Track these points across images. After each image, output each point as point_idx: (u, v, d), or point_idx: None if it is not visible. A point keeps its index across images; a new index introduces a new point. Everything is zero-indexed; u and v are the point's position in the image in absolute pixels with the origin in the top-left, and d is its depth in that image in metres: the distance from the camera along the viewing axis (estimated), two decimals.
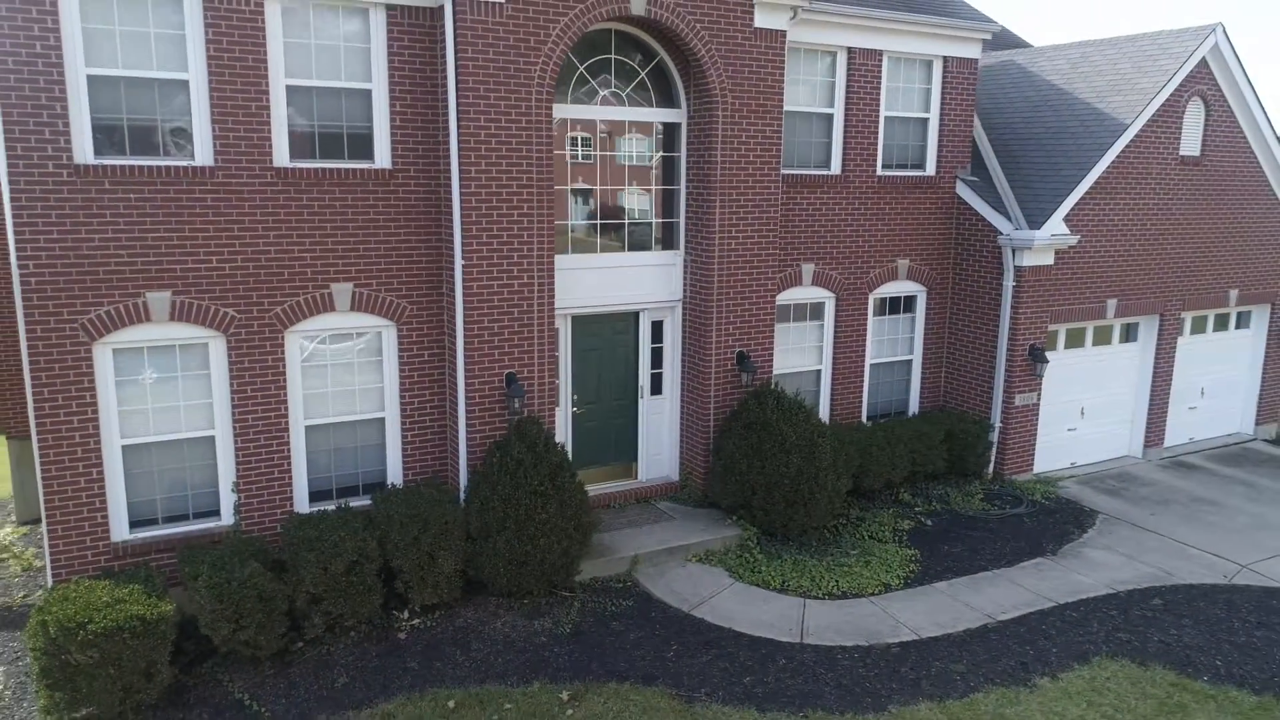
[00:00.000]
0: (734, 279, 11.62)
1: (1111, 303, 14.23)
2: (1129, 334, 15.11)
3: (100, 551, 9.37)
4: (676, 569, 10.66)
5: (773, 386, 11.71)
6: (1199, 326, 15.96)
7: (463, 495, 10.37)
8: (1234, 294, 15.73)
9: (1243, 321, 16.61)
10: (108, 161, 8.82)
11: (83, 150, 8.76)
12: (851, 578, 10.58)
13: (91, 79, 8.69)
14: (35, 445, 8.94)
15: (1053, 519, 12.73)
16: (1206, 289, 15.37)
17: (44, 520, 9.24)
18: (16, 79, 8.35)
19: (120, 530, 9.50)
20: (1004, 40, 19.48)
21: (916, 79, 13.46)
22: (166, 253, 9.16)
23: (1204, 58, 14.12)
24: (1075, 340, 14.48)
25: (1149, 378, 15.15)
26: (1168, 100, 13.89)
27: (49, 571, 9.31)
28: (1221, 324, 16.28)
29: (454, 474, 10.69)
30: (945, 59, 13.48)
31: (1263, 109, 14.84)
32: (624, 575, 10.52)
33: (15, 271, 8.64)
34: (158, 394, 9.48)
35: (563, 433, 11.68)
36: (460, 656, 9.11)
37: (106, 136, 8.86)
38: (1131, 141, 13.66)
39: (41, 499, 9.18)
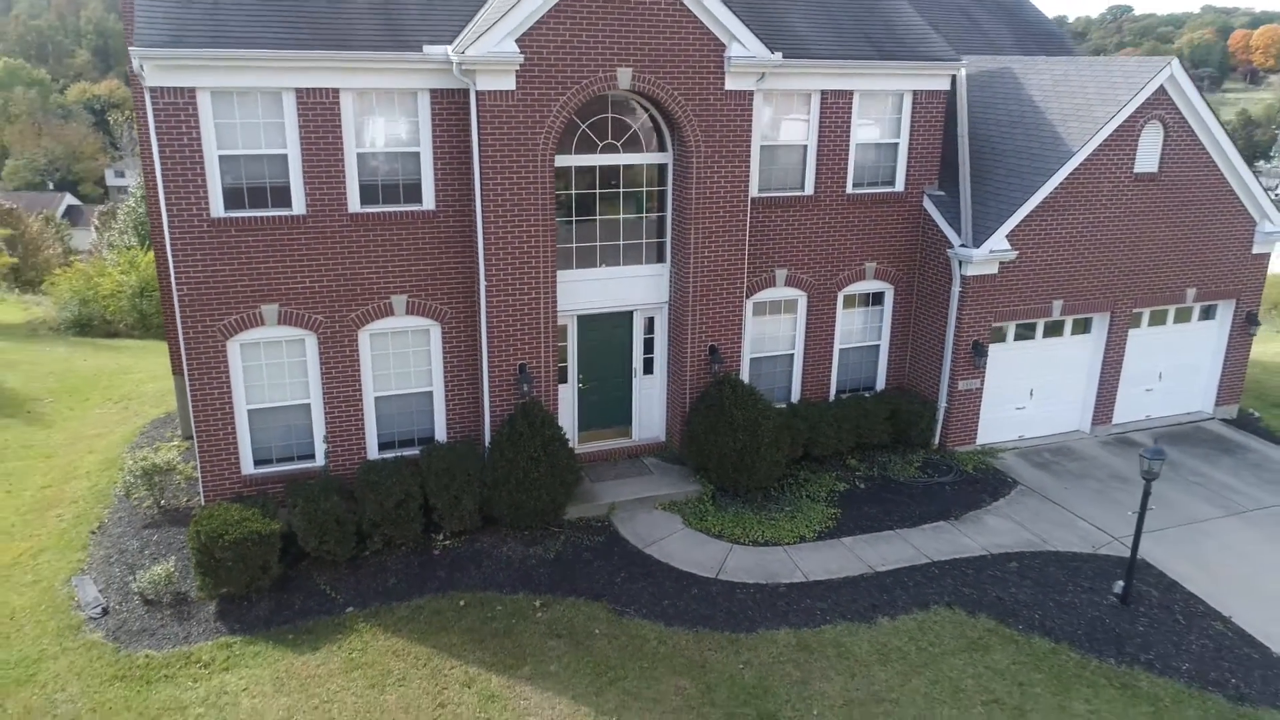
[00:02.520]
0: (706, 288, 14.60)
1: (1057, 303, 16.45)
2: (1084, 327, 17.26)
3: (234, 481, 13.51)
4: (644, 514, 14.11)
5: (733, 376, 14.77)
6: (1158, 319, 17.86)
7: (486, 453, 14.00)
8: (1191, 292, 17.54)
9: (1208, 314, 18.35)
10: (233, 214, 12.53)
11: (216, 207, 12.47)
12: (776, 529, 13.79)
13: (221, 157, 12.32)
14: (191, 409, 13.02)
15: (973, 488, 15.48)
16: (1162, 288, 17.26)
17: (198, 459, 13.42)
18: (173, 162, 12.05)
19: (247, 466, 13.61)
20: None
21: (888, 110, 15.75)
22: (274, 277, 12.89)
23: (1162, 86, 15.76)
24: (1025, 333, 16.80)
25: (1099, 365, 17.33)
26: (1121, 126, 15.69)
27: (201, 492, 13.54)
28: (1184, 316, 18.10)
29: (482, 435, 14.35)
30: (915, 92, 15.69)
31: (1224, 129, 16.38)
32: (603, 518, 14.04)
33: (175, 292, 12.54)
34: (270, 374, 13.41)
35: (570, 404, 15.12)
36: (474, 570, 12.90)
37: (231, 196, 12.54)
38: (1080, 165, 15.62)
39: (196, 446, 13.33)
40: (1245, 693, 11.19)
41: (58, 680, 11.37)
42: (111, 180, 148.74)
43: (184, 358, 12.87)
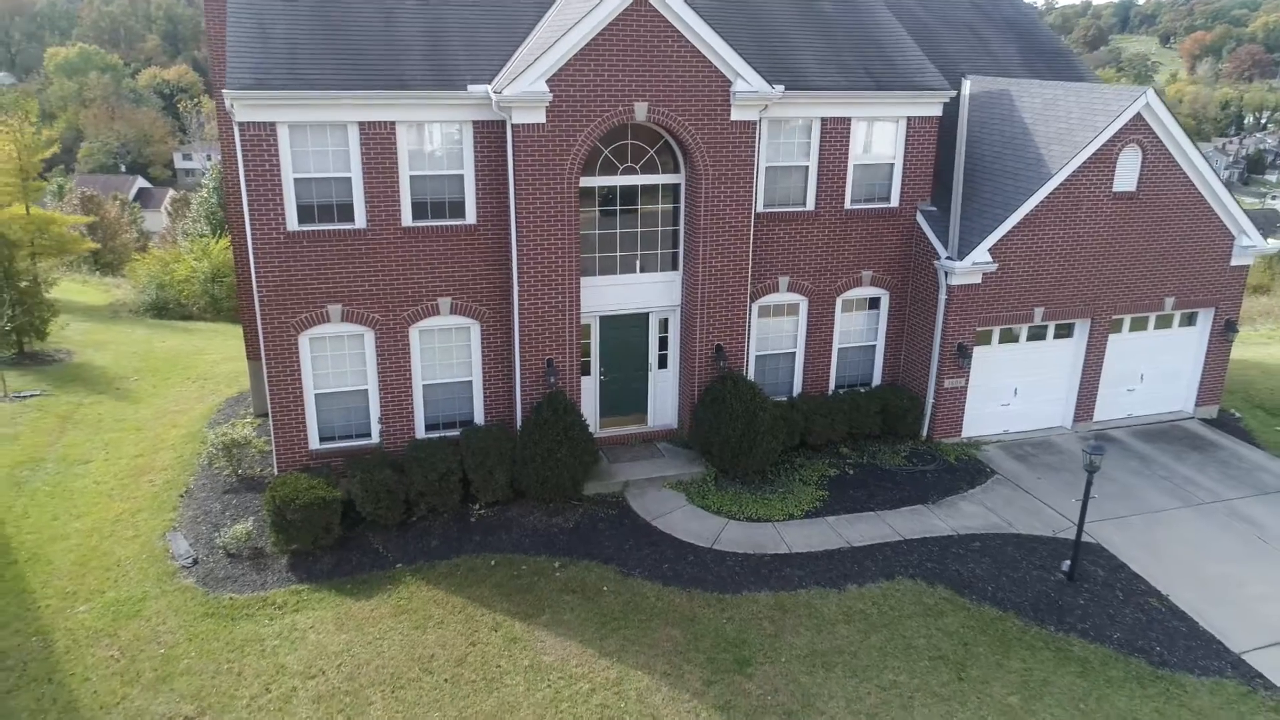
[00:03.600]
0: (713, 294, 16.49)
1: (1039, 310, 18.02)
2: (1066, 331, 18.78)
3: (303, 455, 15.80)
4: (653, 492, 16.10)
5: (735, 372, 16.66)
6: (1139, 325, 19.30)
7: (517, 435, 16.09)
8: (1170, 300, 18.95)
9: (1190, 320, 19.72)
10: (304, 228, 14.74)
11: (291, 221, 14.68)
12: (768, 508, 15.69)
13: (296, 180, 14.52)
14: (267, 393, 15.31)
15: (952, 476, 17.20)
16: (1142, 297, 18.70)
17: (272, 435, 15.73)
18: (256, 184, 14.26)
19: (314, 443, 15.89)
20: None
21: (884, 133, 17.42)
22: (339, 281, 15.09)
23: (1139, 113, 17.19)
24: (1009, 337, 18.40)
25: (1080, 366, 18.85)
26: (1100, 149, 17.16)
27: (275, 463, 15.87)
28: (1165, 323, 19.51)
29: (513, 419, 16.45)
30: (909, 118, 17.34)
31: (1199, 152, 17.77)
32: (617, 494, 16.07)
33: (255, 293, 14.81)
34: (334, 363, 15.65)
35: (593, 394, 17.14)
36: (504, 535, 15.03)
37: (304, 213, 14.74)
38: (1060, 185, 17.14)
39: (271, 425, 15.63)
40: (1167, 659, 12.85)
41: (159, 615, 13.76)
42: (179, 163, 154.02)
43: (262, 349, 15.15)
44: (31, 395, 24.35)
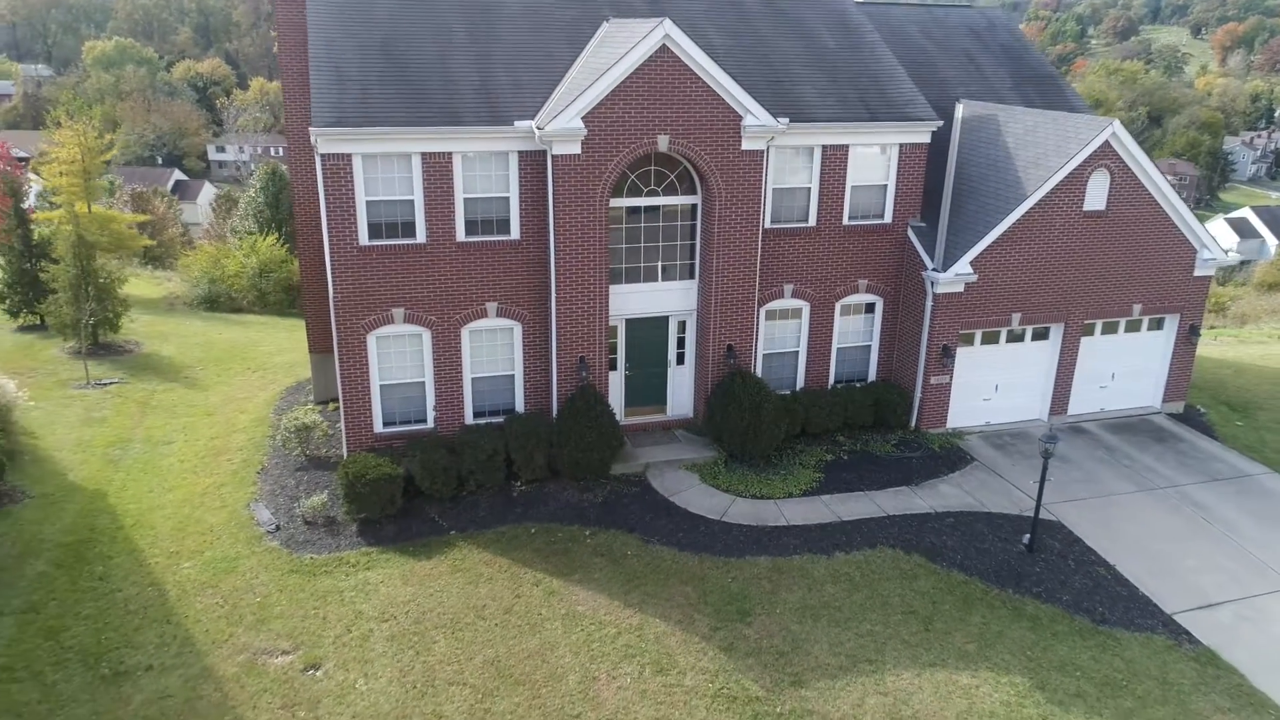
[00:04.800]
0: (725, 300, 18.82)
1: (1016, 315, 20.22)
2: (1043, 334, 20.96)
3: (368, 438, 18.31)
4: (671, 472, 18.49)
5: (744, 369, 18.99)
6: (1110, 329, 21.44)
7: (553, 421, 18.50)
8: (1138, 307, 21.07)
9: (1157, 325, 21.82)
10: (374, 243, 17.20)
11: (362, 237, 17.15)
12: (771, 487, 18.03)
13: (367, 202, 16.98)
14: (339, 385, 17.82)
15: (935, 462, 19.46)
16: (1111, 303, 20.83)
17: (343, 420, 18.25)
18: (335, 206, 16.74)
19: (378, 427, 18.40)
20: None
21: (879, 158, 19.65)
22: (402, 288, 17.55)
23: (1106, 141, 19.31)
24: (990, 339, 20.60)
25: (1055, 366, 21.04)
26: (1071, 174, 19.30)
27: (344, 445, 18.39)
28: (1134, 327, 21.63)
29: (550, 408, 18.88)
30: (901, 145, 19.55)
31: (1161, 175, 19.87)
32: (639, 474, 18.47)
33: (331, 299, 17.30)
34: (397, 359, 18.14)
35: (619, 387, 19.53)
36: (542, 507, 17.47)
37: (373, 230, 17.20)
38: (1035, 205, 19.30)
39: (342, 411, 18.15)
40: (1107, 617, 15.11)
41: (252, 571, 16.32)
42: (213, 155, 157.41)
43: (336, 347, 17.65)
44: (111, 383, 27.07)
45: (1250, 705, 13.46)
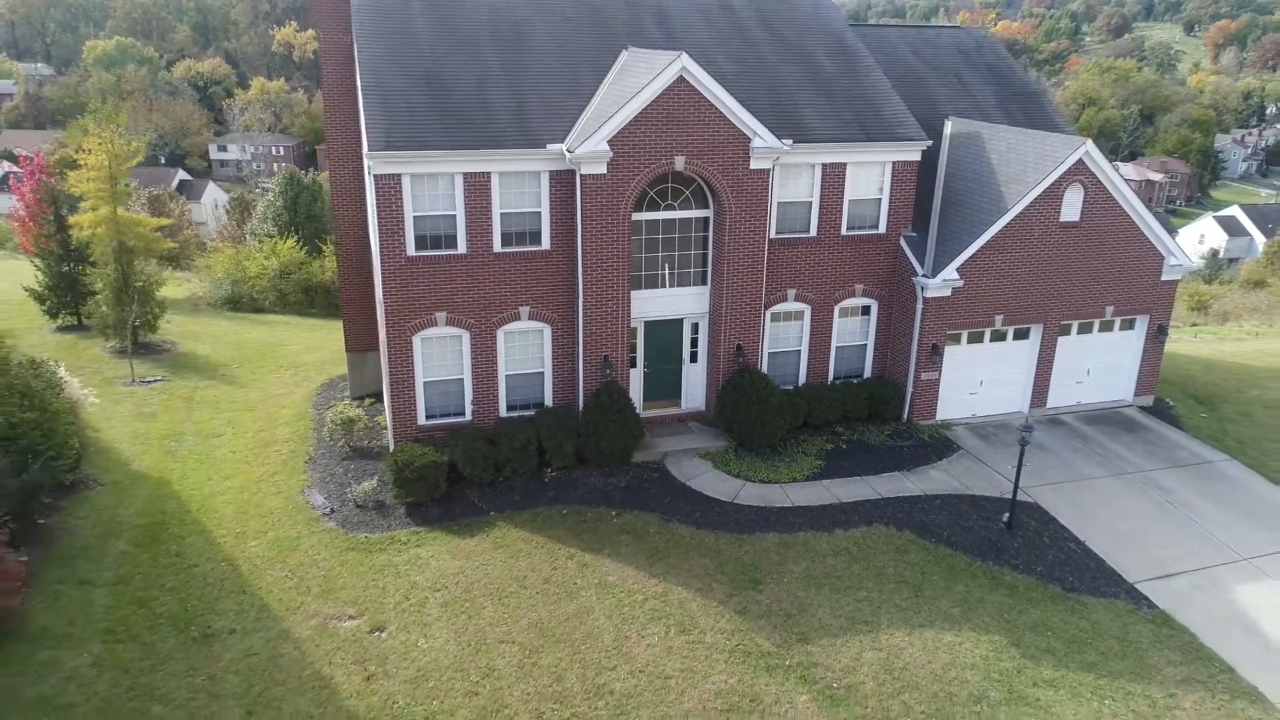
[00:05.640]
0: (734, 304, 20.76)
1: (999, 317, 22.20)
2: (1024, 334, 22.94)
3: (413, 429, 20.23)
4: (686, 460, 20.44)
5: (751, 366, 20.94)
6: (1085, 329, 23.42)
7: (580, 414, 20.42)
8: (1110, 309, 23.06)
9: (1128, 325, 23.81)
10: (420, 253, 19.12)
11: (410, 248, 19.05)
12: (777, 473, 19.99)
13: (414, 217, 18.89)
14: (387, 382, 19.73)
15: (925, 450, 21.43)
16: (1086, 306, 22.81)
17: (389, 413, 20.17)
18: (386, 221, 18.64)
19: (421, 419, 20.32)
20: None
21: (874, 175, 21.59)
22: (444, 294, 19.47)
23: (1080, 159, 21.26)
24: (975, 338, 22.58)
25: (1035, 363, 23.02)
26: (1048, 189, 21.25)
27: (390, 436, 20.31)
28: (1107, 327, 23.62)
29: (576, 402, 20.81)
30: (894, 162, 21.50)
31: (1130, 189, 21.83)
32: (658, 461, 20.42)
33: (381, 304, 19.20)
34: (439, 358, 20.06)
35: (638, 382, 21.46)
36: (571, 491, 19.42)
37: (419, 242, 19.11)
38: (1015, 217, 21.25)
39: (389, 405, 20.06)
40: (1076, 586, 17.08)
41: (313, 549, 18.24)
42: (215, 154, 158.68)
43: (384, 347, 19.56)
44: (154, 380, 28.94)
45: (1198, 660, 15.44)
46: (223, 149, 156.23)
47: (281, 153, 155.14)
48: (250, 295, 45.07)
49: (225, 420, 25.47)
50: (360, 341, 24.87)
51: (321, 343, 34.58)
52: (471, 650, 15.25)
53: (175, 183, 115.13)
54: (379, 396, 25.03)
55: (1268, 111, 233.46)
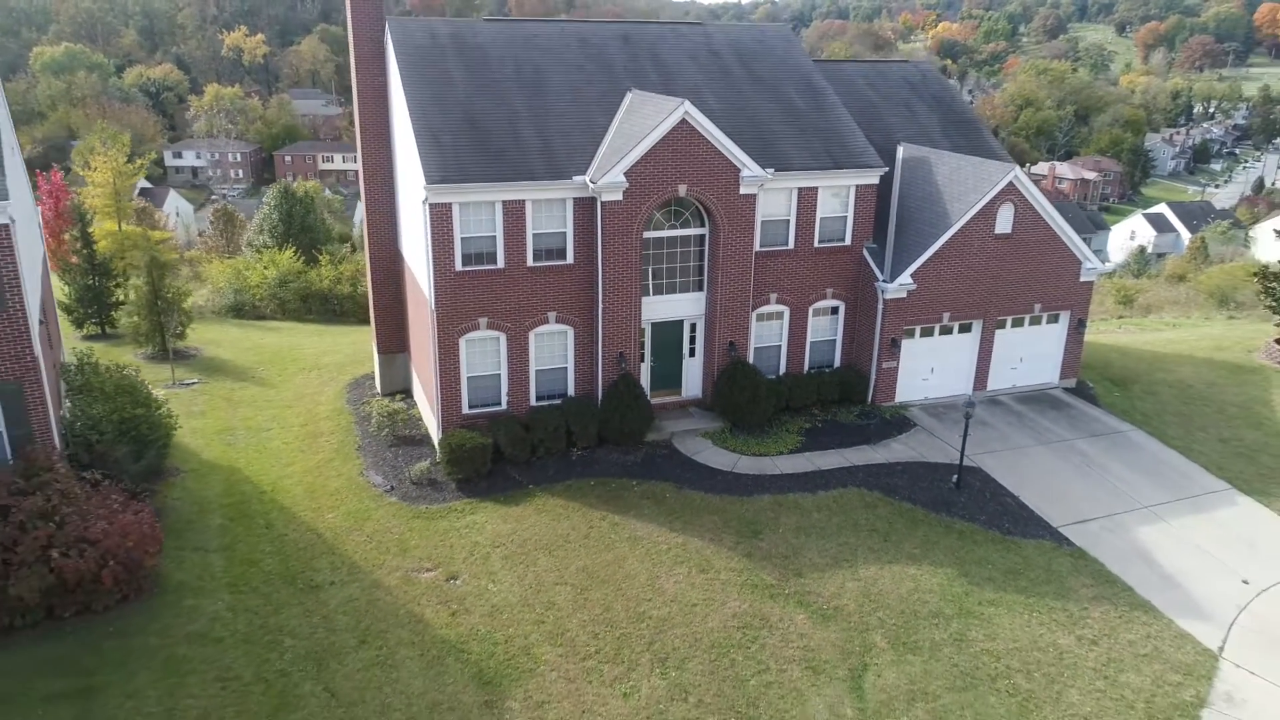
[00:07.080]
0: (726, 307, 24.65)
1: (946, 314, 26.39)
2: (967, 328, 27.17)
3: (459, 417, 23.78)
4: (690, 439, 24.28)
5: (742, 360, 24.84)
6: (1018, 323, 27.74)
7: (599, 402, 24.11)
8: (1038, 306, 27.39)
9: (1054, 319, 28.17)
10: (466, 269, 22.68)
11: (458, 264, 22.61)
12: (766, 447, 23.93)
13: (462, 238, 22.45)
14: (437, 377, 23.26)
15: (888, 427, 25.53)
16: (1018, 304, 27.11)
17: (439, 403, 23.69)
18: (439, 242, 22.17)
19: (465, 409, 23.88)
20: None
21: (840, 196, 25.62)
22: (485, 302, 23.05)
23: (1011, 182, 25.51)
24: (927, 332, 26.75)
25: (976, 352, 27.27)
26: (984, 207, 25.46)
27: (440, 424, 23.84)
28: (1036, 321, 27.95)
29: (595, 392, 24.54)
30: (857, 185, 25.56)
31: (1052, 207, 26.17)
32: (666, 441, 24.22)
33: (433, 312, 22.74)
34: (480, 356, 23.64)
35: (646, 373, 25.24)
36: (595, 466, 23.14)
37: (466, 259, 22.68)
38: (958, 231, 25.43)
39: (439, 398, 23.60)
40: (1011, 530, 21.24)
41: (383, 518, 21.73)
42: (170, 161, 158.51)
43: (435, 348, 23.07)
44: (192, 383, 31.99)
45: (1105, 583, 19.66)
46: (178, 155, 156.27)
47: (239, 159, 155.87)
48: (252, 303, 47.85)
49: (269, 417, 28.67)
50: (390, 344, 28.34)
51: (332, 346, 37.72)
52: (533, 590, 18.92)
53: (136, 191, 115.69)
54: (407, 393, 28.49)
55: (1195, 111, 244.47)
